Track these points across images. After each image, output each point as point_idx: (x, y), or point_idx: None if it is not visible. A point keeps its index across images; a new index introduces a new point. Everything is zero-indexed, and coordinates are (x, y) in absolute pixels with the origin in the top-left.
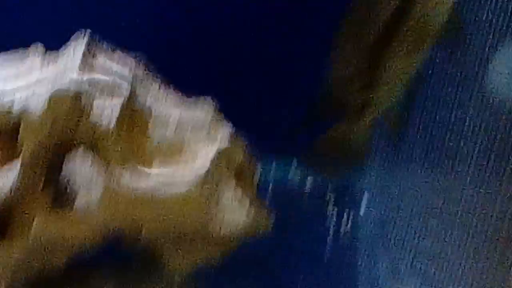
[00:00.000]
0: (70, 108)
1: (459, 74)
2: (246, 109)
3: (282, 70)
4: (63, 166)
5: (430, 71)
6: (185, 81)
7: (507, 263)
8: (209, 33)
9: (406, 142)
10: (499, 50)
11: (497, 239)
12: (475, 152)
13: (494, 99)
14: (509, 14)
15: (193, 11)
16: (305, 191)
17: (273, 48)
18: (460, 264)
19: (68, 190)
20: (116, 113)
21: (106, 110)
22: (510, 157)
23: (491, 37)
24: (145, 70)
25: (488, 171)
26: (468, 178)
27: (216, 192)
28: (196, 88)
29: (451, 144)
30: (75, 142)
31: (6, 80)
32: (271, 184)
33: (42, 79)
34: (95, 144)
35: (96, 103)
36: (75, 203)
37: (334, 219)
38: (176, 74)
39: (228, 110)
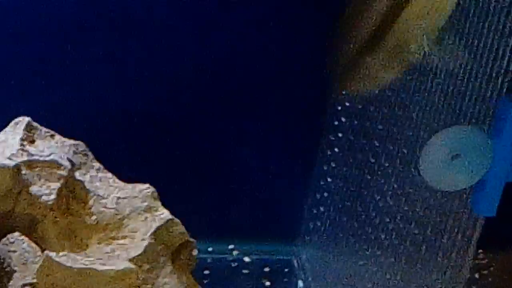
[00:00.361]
0: (10, 181)
1: (393, 165)
2: (184, 193)
3: (219, 155)
4: (0, 244)
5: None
6: (124, 166)
7: None
8: (148, 122)
9: (339, 227)
10: (429, 143)
11: None
12: (410, 228)
13: (424, 188)
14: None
15: (135, 98)
16: (242, 272)
17: (212, 136)
18: None
19: (4, 268)
20: (55, 191)
21: (44, 191)
22: (443, 238)
23: (422, 129)
24: (84, 153)
25: (421, 248)
26: (402, 253)
27: (152, 272)
28: (135, 173)
29: (384, 219)
30: (12, 221)
31: None
32: (208, 266)
33: None
34: (33, 223)
35: (34, 184)
36: (10, 283)
37: None
38: (115, 159)
39: (166, 194)
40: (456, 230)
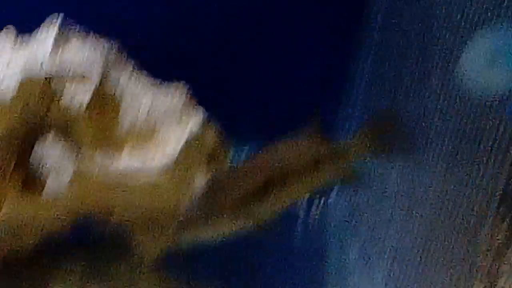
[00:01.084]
0: (41, 91)
1: (428, 65)
2: (218, 95)
3: (255, 56)
4: (34, 149)
5: (401, 64)
6: (157, 67)
7: (475, 250)
8: (181, 20)
9: None
10: (470, 43)
11: (465, 228)
12: (445, 142)
13: (464, 92)
14: (481, 5)
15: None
16: None
17: (246, 34)
18: (429, 250)
19: (38, 174)
20: (87, 97)
21: (78, 94)
22: (478, 150)
23: (461, 29)
24: (117, 55)
25: (456, 161)
26: (437, 167)
27: (187, 176)
28: (168, 74)
29: (420, 134)
30: (46, 126)
31: None
32: None
33: (12, 63)
34: (66, 128)
35: (68, 87)
36: (46, 187)
37: (304, 206)
38: (148, 60)
39: (200, 96)
40: (491, 141)
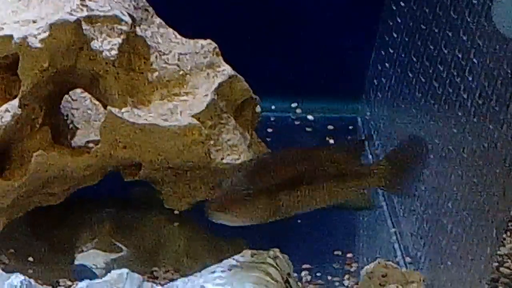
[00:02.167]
0: (71, 36)
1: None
2: (246, 50)
3: (284, 12)
4: (63, 101)
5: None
6: (185, 22)
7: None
8: None
9: (404, 83)
10: None
11: (496, 187)
12: (476, 94)
13: (499, 35)
14: None
15: None
16: (305, 130)
17: None
18: (458, 207)
19: (68, 125)
20: (116, 47)
21: (106, 47)
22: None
23: None
24: (145, 8)
25: (489, 112)
26: (466, 116)
27: (215, 128)
28: (196, 29)
29: (448, 85)
30: (73, 78)
31: (4, 16)
32: (271, 124)
33: (40, 16)
34: (95, 79)
35: (96, 38)
36: (75, 138)
37: None
38: (176, 15)
39: (228, 50)
40: None
